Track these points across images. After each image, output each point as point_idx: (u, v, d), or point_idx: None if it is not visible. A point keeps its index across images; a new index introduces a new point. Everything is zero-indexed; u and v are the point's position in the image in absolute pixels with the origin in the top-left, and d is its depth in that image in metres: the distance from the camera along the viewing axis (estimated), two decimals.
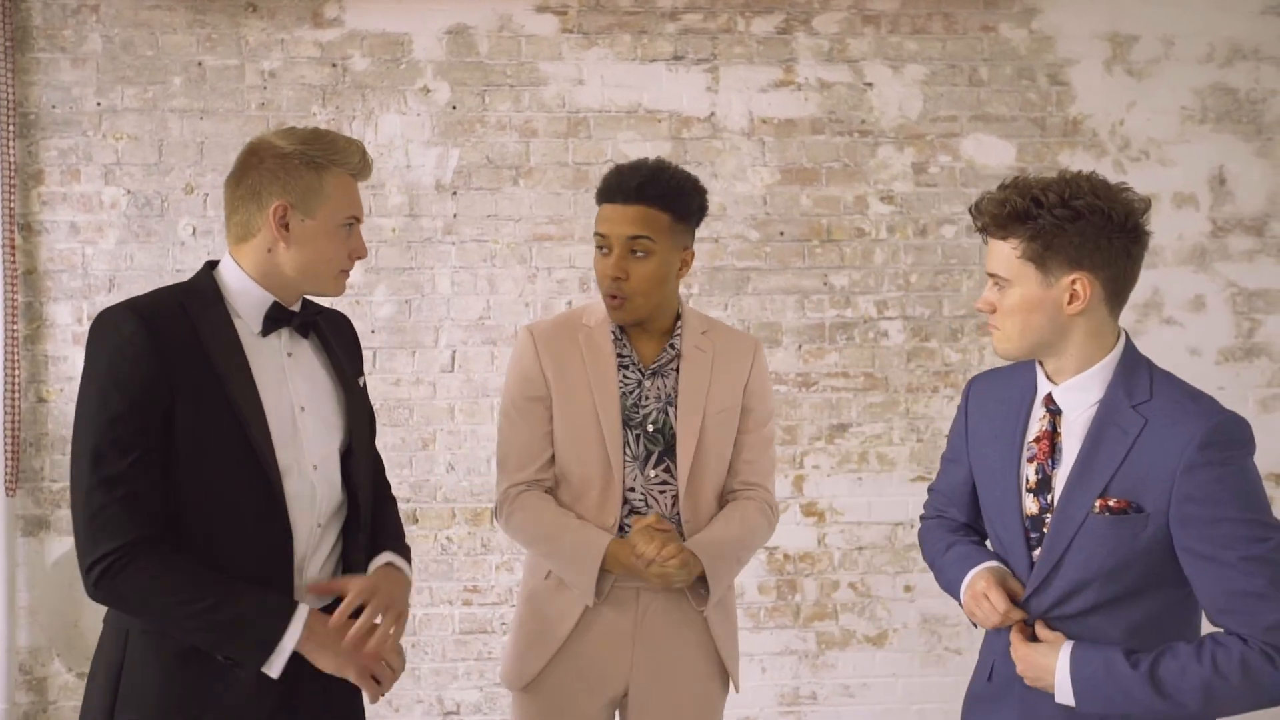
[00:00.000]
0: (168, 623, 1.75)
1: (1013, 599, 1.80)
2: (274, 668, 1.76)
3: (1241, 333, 3.86)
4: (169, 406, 1.73)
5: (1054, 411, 1.77)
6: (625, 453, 2.27)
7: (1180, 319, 3.85)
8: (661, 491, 2.28)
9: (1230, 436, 1.64)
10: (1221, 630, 1.65)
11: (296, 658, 1.78)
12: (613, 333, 2.31)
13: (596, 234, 2.26)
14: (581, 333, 2.32)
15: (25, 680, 3.72)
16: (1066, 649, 1.71)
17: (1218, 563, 1.61)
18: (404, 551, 2.05)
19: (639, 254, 2.22)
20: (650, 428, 2.28)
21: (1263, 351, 3.87)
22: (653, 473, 2.28)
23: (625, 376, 2.30)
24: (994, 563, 1.87)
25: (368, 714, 2.07)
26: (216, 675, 1.77)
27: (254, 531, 1.80)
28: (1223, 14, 3.83)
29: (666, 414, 2.29)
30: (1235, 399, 3.83)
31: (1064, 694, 1.70)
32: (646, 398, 2.29)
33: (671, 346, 2.32)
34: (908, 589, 3.82)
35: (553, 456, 2.32)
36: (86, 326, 3.64)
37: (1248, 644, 1.60)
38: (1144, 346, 3.97)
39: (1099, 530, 1.68)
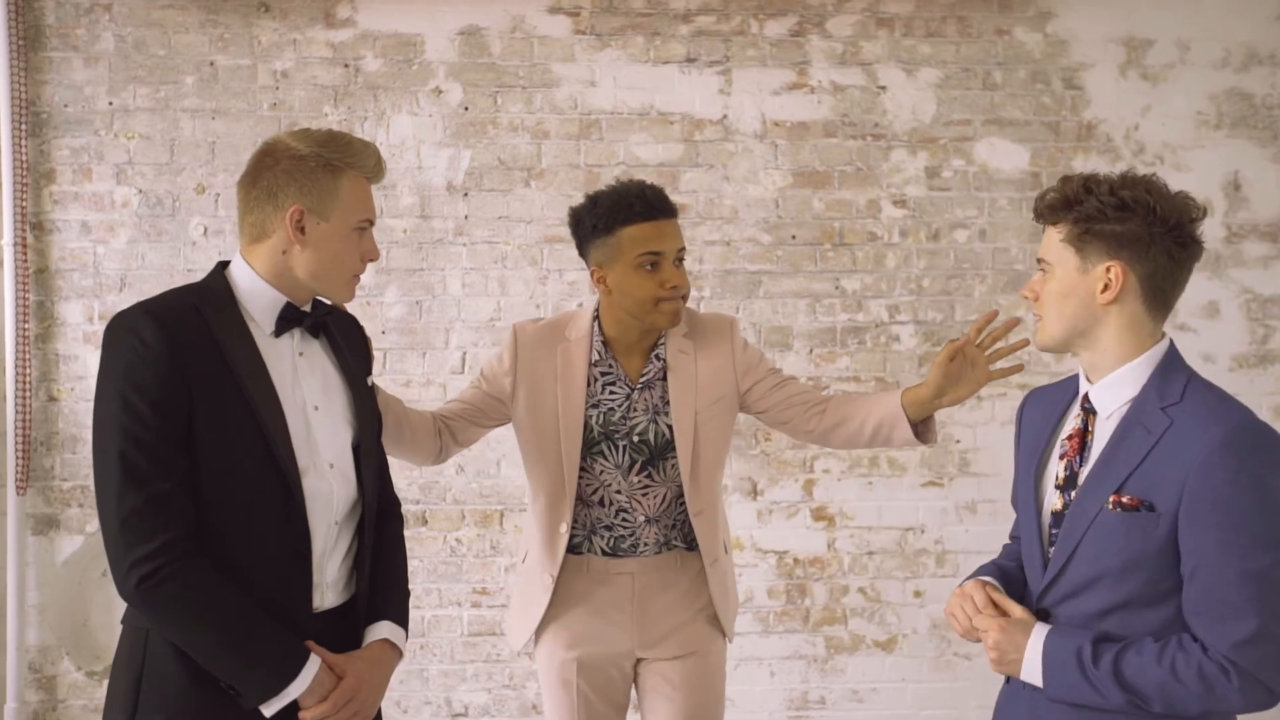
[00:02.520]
0: (188, 644, 1.76)
1: (1016, 599, 1.82)
2: (271, 709, 1.77)
3: (1255, 339, 3.85)
4: (188, 408, 1.74)
5: (1089, 410, 1.77)
6: (609, 460, 2.38)
7: (1194, 325, 3.83)
8: (644, 493, 2.40)
9: (1254, 443, 1.62)
10: (1188, 634, 1.65)
11: None
12: (596, 352, 2.40)
13: (647, 253, 2.30)
14: (561, 346, 2.41)
15: (35, 679, 3.72)
16: (1041, 633, 1.71)
17: (1211, 566, 1.60)
18: (402, 609, 2.03)
19: (680, 263, 2.36)
20: (635, 438, 2.38)
21: (1277, 358, 3.85)
22: (635, 479, 2.39)
23: (613, 391, 2.39)
24: (988, 576, 1.89)
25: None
26: None
27: (274, 531, 1.80)
28: (1239, 19, 3.81)
29: (655, 423, 2.39)
30: (1248, 406, 3.81)
31: (1032, 675, 1.71)
32: (635, 410, 2.39)
33: (656, 358, 2.40)
34: (917, 594, 3.81)
35: (466, 417, 2.48)
36: (98, 326, 3.65)
37: (1207, 654, 1.60)
38: None
39: (1110, 526, 1.67)
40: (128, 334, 1.74)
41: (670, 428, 2.38)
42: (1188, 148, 3.81)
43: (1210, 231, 3.81)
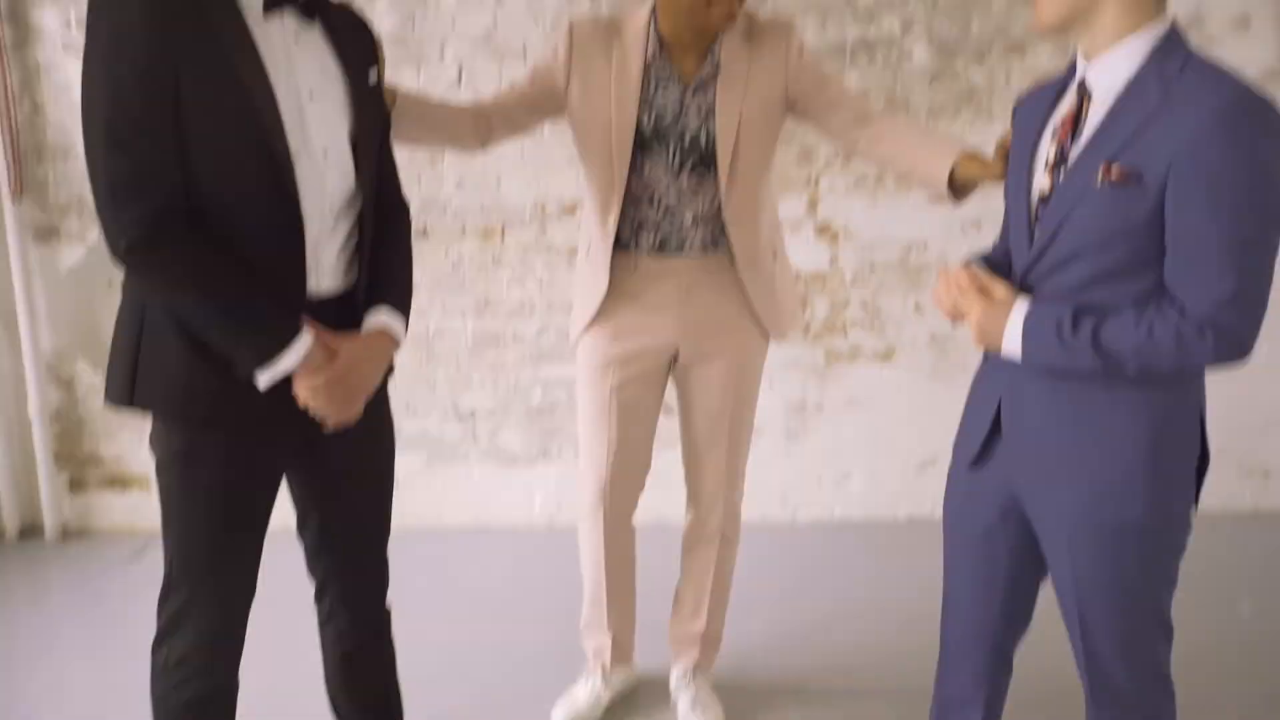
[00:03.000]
0: (181, 311, 1.76)
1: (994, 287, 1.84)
2: (264, 379, 1.78)
3: None
4: (175, 82, 1.67)
5: (1084, 94, 1.73)
6: (660, 160, 2.40)
7: (1221, 37, 3.66)
8: (694, 195, 2.43)
9: (1251, 113, 1.55)
10: (1166, 300, 1.66)
11: None
12: (651, 51, 2.38)
13: None
14: (616, 43, 2.38)
15: (54, 379, 3.84)
16: (1020, 311, 1.74)
17: (1196, 233, 1.59)
18: (402, 298, 2.02)
19: None
20: (687, 141, 2.39)
21: None
22: (685, 181, 2.42)
23: (665, 93, 2.38)
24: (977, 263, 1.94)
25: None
26: None
27: (265, 216, 1.78)
28: None
29: (705, 127, 2.38)
30: None
31: (1012, 347, 1.76)
32: (687, 112, 2.39)
33: (711, 59, 2.38)
34: (918, 307, 3.86)
35: (517, 105, 2.48)
36: (75, 34, 3.51)
37: (1185, 317, 1.61)
38: None
39: (1096, 200, 1.66)
40: (112, 3, 1.68)
41: (717, 130, 2.38)
42: None
43: None
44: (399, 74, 3.60)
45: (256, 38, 1.75)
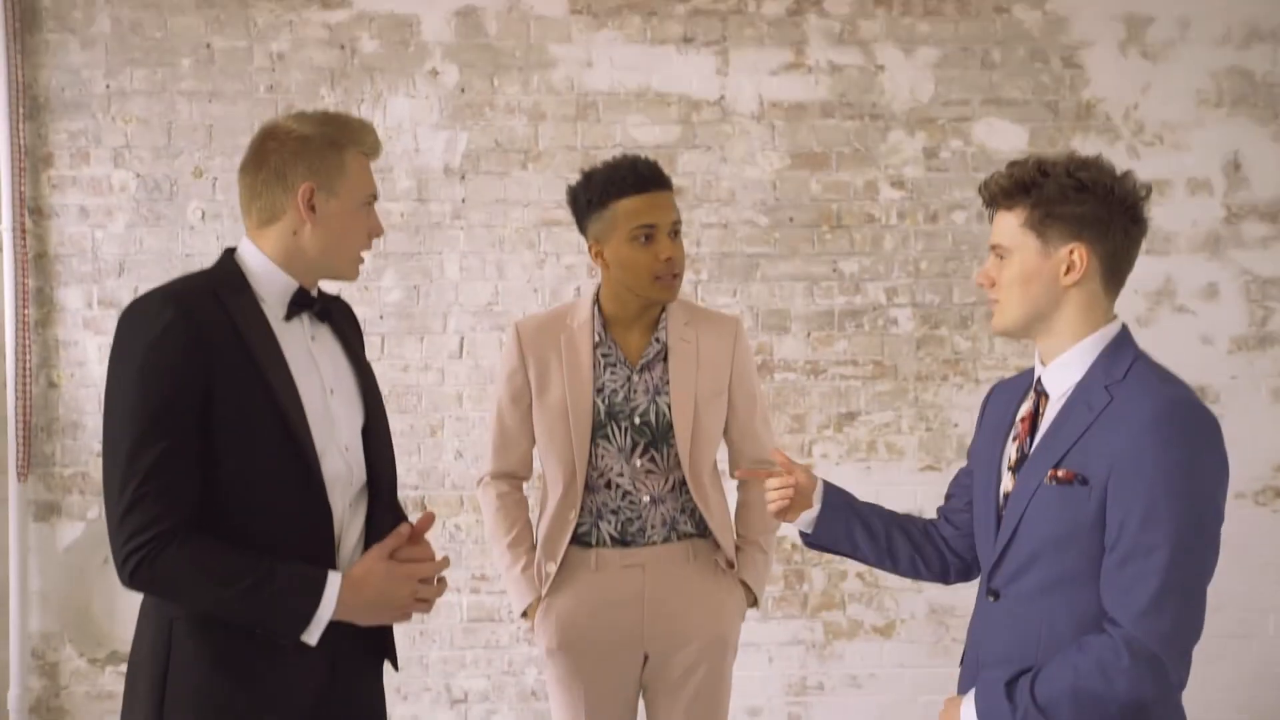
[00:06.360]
0: (205, 604, 1.75)
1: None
2: (312, 636, 1.77)
3: (1255, 321, 3.82)
4: (207, 395, 1.73)
5: (1041, 393, 1.80)
6: (612, 444, 2.40)
7: (1193, 307, 3.80)
8: (649, 474, 2.42)
9: (1187, 420, 1.63)
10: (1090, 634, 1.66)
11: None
12: (597, 334, 2.44)
13: (641, 225, 2.33)
14: (564, 334, 2.45)
15: (38, 665, 3.74)
16: (970, 700, 1.74)
17: (1128, 538, 1.61)
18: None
19: (675, 235, 2.38)
20: (638, 420, 2.40)
21: (1276, 340, 3.82)
22: (639, 462, 2.41)
23: (613, 374, 2.42)
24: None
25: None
26: (265, 657, 1.78)
27: (295, 515, 1.81)
28: None
29: (655, 404, 2.41)
30: (1247, 388, 3.80)
31: None
32: (635, 391, 2.42)
33: (657, 340, 2.44)
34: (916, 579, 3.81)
35: (527, 441, 2.52)
36: (97, 311, 3.66)
37: (1105, 637, 1.62)
38: (1156, 335, 3.94)
39: (1047, 500, 1.70)
40: (149, 318, 1.74)
41: (670, 408, 2.39)
42: (1188, 127, 3.78)
43: (1210, 212, 3.81)
44: (402, 345, 3.72)
45: (281, 340, 1.85)
